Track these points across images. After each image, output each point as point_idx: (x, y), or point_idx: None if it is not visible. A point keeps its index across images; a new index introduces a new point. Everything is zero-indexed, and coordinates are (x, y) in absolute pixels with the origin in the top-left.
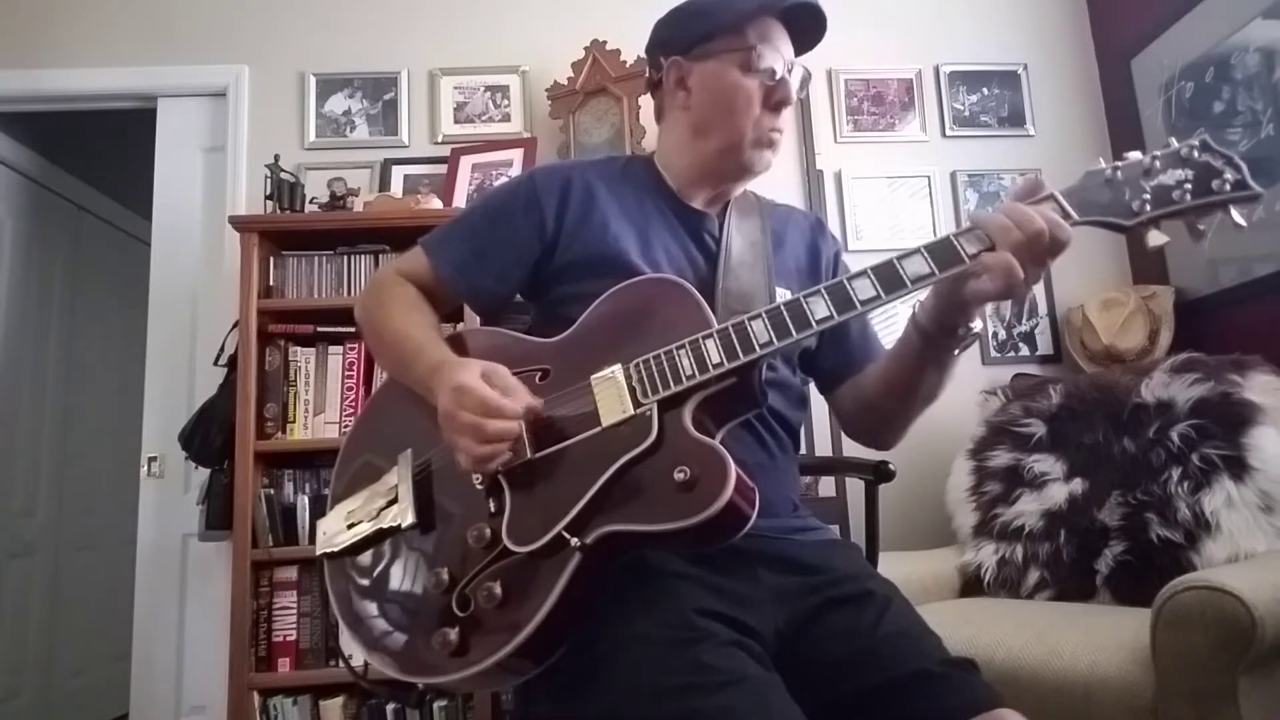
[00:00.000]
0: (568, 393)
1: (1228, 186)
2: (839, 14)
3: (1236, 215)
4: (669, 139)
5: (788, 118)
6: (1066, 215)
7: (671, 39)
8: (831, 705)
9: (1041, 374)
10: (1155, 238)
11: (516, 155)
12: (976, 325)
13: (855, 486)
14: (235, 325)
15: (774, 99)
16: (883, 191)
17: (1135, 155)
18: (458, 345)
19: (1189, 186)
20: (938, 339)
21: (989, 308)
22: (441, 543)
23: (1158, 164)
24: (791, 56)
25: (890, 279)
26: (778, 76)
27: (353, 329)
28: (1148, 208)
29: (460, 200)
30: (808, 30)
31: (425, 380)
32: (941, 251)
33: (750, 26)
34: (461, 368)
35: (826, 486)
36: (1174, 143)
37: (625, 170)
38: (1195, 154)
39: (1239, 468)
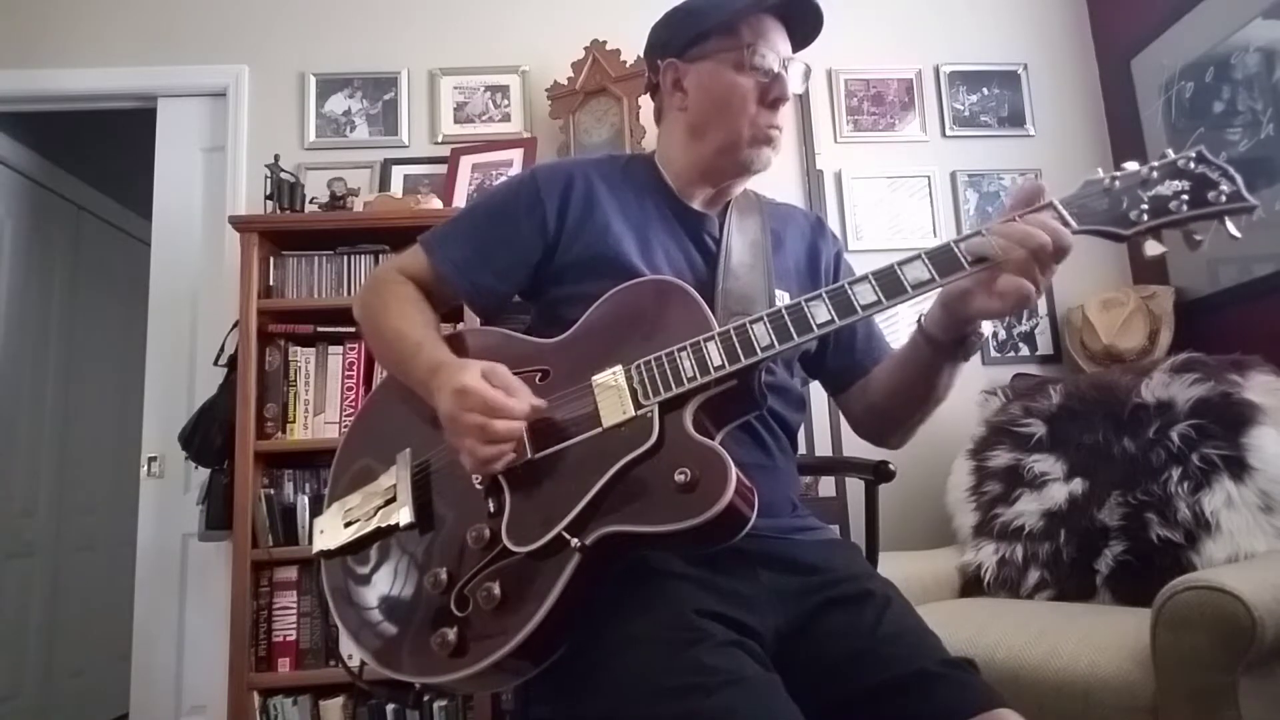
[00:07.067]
0: (568, 393)
1: (1223, 198)
2: (839, 14)
3: (1231, 227)
4: (668, 140)
5: (787, 114)
6: (1065, 224)
7: (668, 41)
8: (831, 705)
9: (1041, 374)
10: (1153, 247)
11: (516, 155)
12: (986, 329)
13: (855, 486)
14: (235, 325)
15: (770, 96)
16: (883, 191)
17: (1133, 166)
18: (457, 345)
19: (1185, 197)
20: (947, 346)
21: None
22: (440, 542)
23: (1155, 174)
24: (788, 52)
25: (891, 285)
26: (773, 73)
27: (353, 329)
28: (1145, 218)
29: (460, 200)
30: (805, 26)
31: (425, 380)
32: (942, 258)
33: (744, 25)
34: (462, 369)
35: (826, 486)
36: (1170, 154)
37: (626, 170)
38: (1192, 165)
39: (1239, 468)
